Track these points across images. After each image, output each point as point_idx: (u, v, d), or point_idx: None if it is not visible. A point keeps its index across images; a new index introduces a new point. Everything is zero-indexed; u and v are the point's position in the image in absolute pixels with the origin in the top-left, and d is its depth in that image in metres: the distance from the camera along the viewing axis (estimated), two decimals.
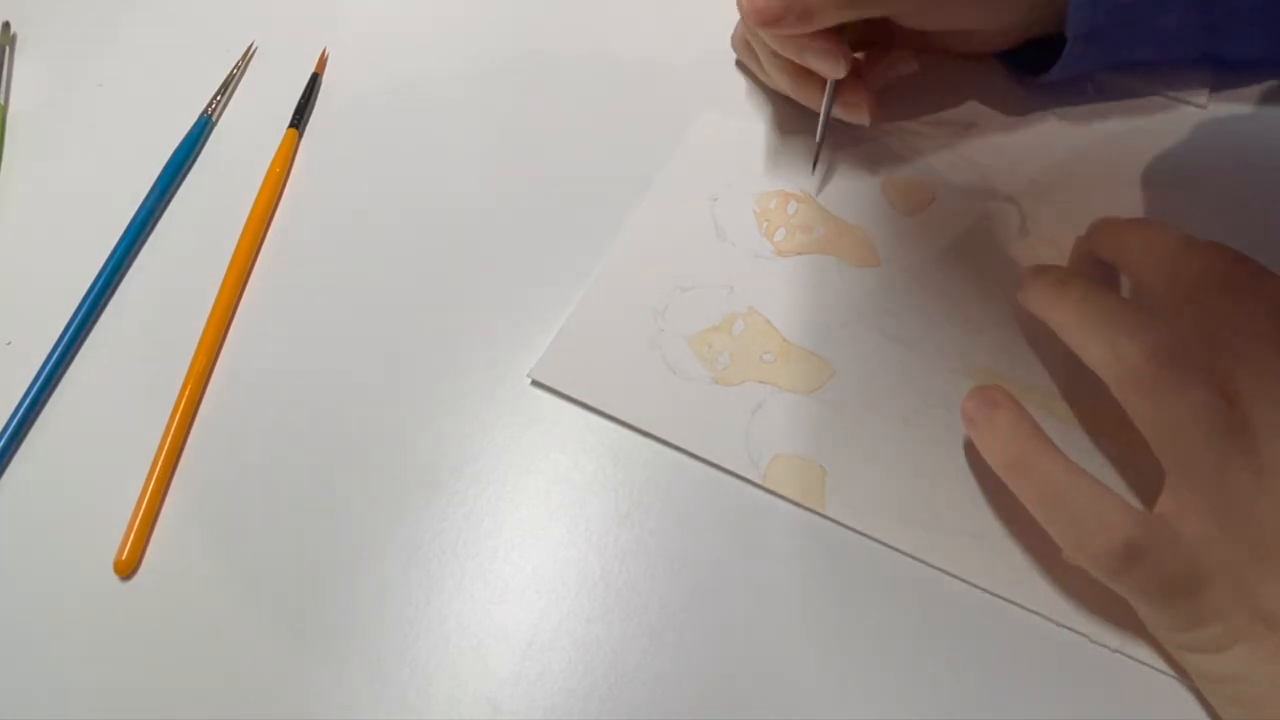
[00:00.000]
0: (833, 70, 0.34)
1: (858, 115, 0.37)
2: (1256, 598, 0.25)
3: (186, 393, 0.34)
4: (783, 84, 0.38)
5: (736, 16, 0.43)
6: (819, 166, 0.38)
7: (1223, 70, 0.39)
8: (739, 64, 0.42)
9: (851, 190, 0.38)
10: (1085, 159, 0.38)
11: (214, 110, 0.43)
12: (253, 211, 0.39)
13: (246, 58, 0.45)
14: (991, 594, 0.29)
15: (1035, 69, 0.38)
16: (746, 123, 0.40)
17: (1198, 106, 0.39)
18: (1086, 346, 0.28)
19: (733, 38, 0.41)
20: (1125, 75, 0.39)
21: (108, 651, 0.29)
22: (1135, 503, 0.29)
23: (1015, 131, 0.39)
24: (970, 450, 0.31)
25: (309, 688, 0.29)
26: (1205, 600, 0.25)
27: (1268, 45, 0.37)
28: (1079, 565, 0.27)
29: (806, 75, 0.37)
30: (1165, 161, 0.38)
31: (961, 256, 0.35)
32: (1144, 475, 0.28)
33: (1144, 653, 0.27)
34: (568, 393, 0.33)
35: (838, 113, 0.37)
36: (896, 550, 0.30)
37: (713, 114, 0.40)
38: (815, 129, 0.37)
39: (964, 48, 0.39)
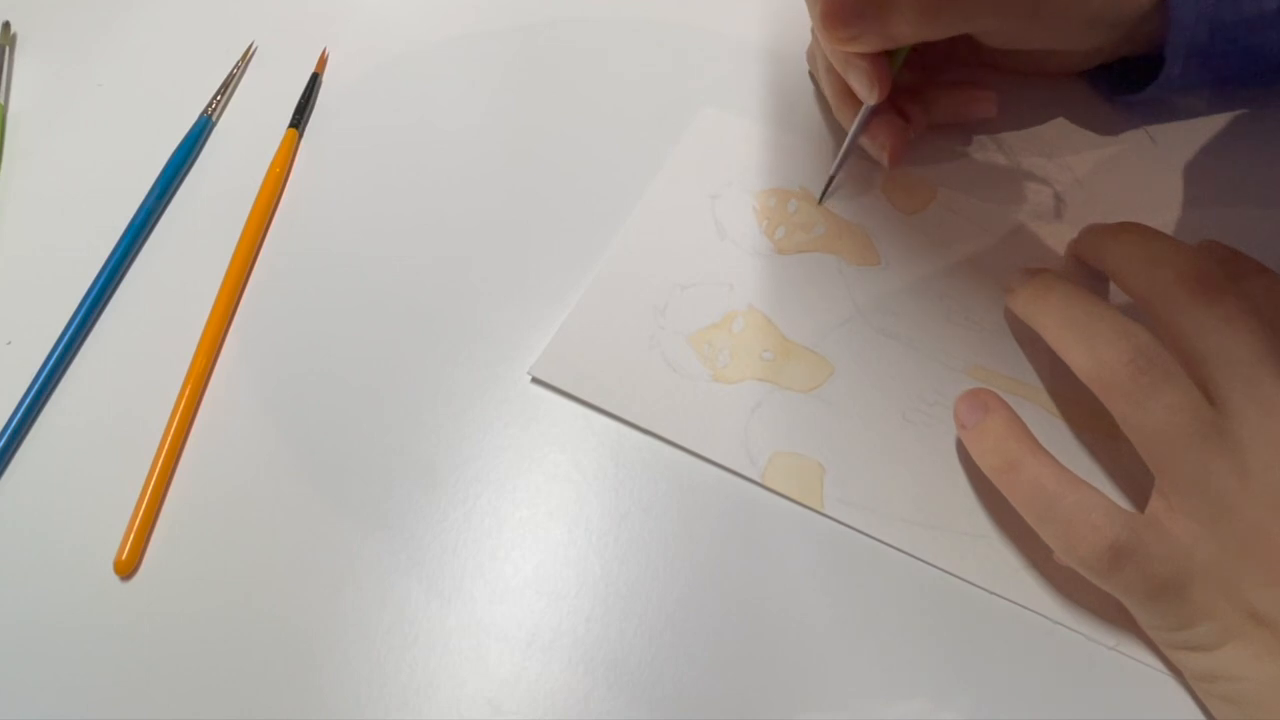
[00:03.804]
0: (866, 93, 0.33)
1: (877, 153, 0.36)
2: (1244, 596, 0.25)
3: (186, 393, 0.34)
4: (829, 94, 0.37)
5: (734, 12, 0.44)
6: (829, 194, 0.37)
7: None
8: (810, 75, 0.41)
9: (852, 190, 0.37)
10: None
11: (214, 110, 0.43)
12: (253, 211, 0.39)
13: (246, 58, 0.45)
14: (989, 592, 0.29)
15: (1121, 86, 0.37)
16: (747, 119, 0.40)
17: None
18: (1069, 352, 0.28)
19: (807, 51, 0.41)
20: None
21: (108, 651, 0.29)
22: (1126, 503, 0.29)
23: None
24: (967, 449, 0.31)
25: (309, 688, 0.29)
26: (1194, 600, 0.25)
27: None
28: (1070, 566, 0.27)
29: (849, 95, 0.36)
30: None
31: (961, 255, 0.35)
32: (1140, 473, 0.28)
33: (1140, 651, 0.28)
34: (568, 390, 0.33)
35: (864, 142, 0.36)
36: (894, 548, 0.30)
37: (713, 110, 0.40)
38: (815, 129, 0.37)
39: (1047, 68, 0.39)
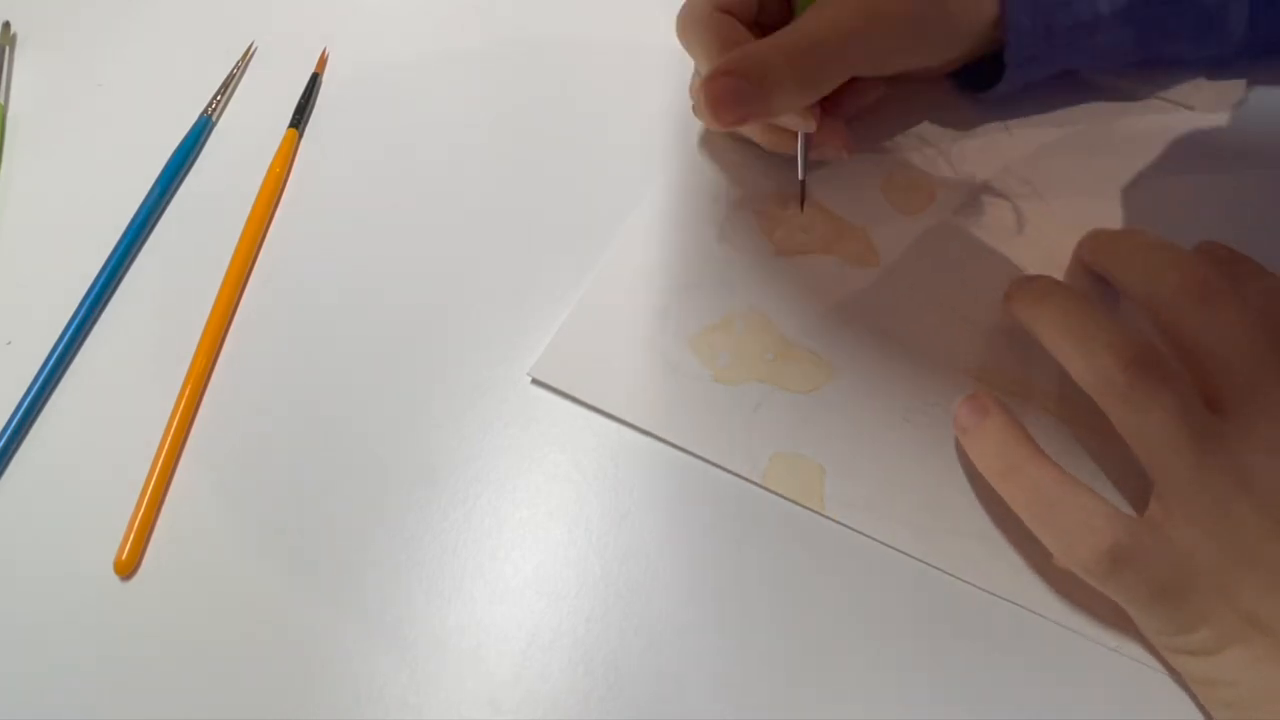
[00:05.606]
0: (805, 127, 0.34)
1: (835, 153, 0.37)
2: (1243, 601, 0.25)
3: (186, 393, 0.34)
4: (759, 139, 0.37)
5: None
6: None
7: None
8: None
9: (852, 190, 0.37)
10: (1079, 161, 0.38)
11: (214, 110, 0.43)
12: (253, 211, 0.39)
13: (246, 58, 0.45)
14: (990, 593, 0.29)
15: (980, 83, 0.38)
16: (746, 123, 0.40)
17: (1187, 109, 0.39)
18: (1068, 358, 0.28)
19: (690, 86, 0.40)
20: (1116, 78, 0.39)
21: (108, 651, 0.29)
22: (1126, 506, 0.29)
23: (994, 138, 0.39)
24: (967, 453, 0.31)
25: (309, 688, 0.29)
26: (1193, 604, 0.25)
27: (1194, 47, 0.37)
28: (1069, 569, 0.27)
29: (776, 128, 0.36)
30: (1157, 163, 0.38)
31: (960, 256, 0.35)
32: (1139, 477, 0.28)
33: (1141, 652, 0.28)
34: (568, 391, 0.33)
35: (812, 155, 0.37)
36: (895, 549, 0.30)
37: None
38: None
39: (913, 76, 0.39)
